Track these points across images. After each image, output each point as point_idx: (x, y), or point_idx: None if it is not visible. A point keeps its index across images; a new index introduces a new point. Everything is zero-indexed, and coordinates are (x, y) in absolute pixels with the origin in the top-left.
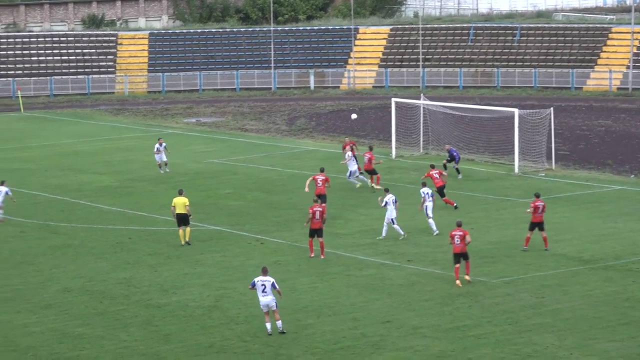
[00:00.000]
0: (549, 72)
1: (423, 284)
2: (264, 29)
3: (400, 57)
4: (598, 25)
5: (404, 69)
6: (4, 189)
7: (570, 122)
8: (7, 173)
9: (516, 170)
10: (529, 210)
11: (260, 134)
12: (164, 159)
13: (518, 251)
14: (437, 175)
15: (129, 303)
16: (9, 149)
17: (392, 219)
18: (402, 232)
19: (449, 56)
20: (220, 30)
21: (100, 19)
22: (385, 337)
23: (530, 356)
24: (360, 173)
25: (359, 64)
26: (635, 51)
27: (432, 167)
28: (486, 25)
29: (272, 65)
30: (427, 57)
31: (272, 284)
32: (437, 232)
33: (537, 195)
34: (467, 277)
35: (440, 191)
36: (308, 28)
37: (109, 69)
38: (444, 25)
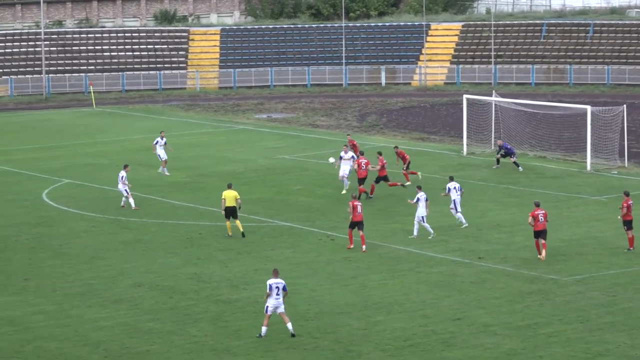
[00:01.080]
0: (622, 69)
1: (494, 281)
2: (336, 25)
3: (472, 53)
4: None
5: (476, 66)
6: (124, 173)
7: None
8: (79, 168)
9: (588, 167)
10: (621, 211)
11: (331, 130)
12: (164, 157)
13: (589, 249)
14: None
15: (198, 298)
16: (81, 144)
17: (422, 217)
18: (432, 231)
19: (521, 53)
20: (291, 26)
21: (172, 14)
22: (456, 335)
23: (601, 355)
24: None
25: (430, 60)
26: None
27: (379, 154)
28: (559, 21)
29: (344, 61)
30: (499, 53)
31: (283, 287)
32: (466, 224)
33: (627, 194)
34: (541, 257)
35: (378, 180)
36: (379, 24)
37: (180, 65)
38: (516, 22)
